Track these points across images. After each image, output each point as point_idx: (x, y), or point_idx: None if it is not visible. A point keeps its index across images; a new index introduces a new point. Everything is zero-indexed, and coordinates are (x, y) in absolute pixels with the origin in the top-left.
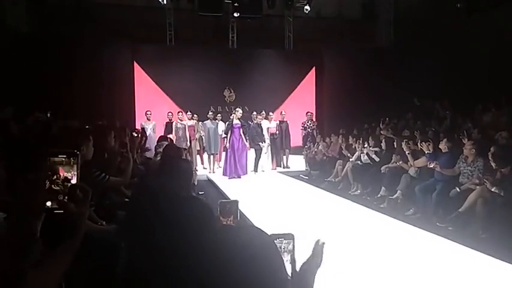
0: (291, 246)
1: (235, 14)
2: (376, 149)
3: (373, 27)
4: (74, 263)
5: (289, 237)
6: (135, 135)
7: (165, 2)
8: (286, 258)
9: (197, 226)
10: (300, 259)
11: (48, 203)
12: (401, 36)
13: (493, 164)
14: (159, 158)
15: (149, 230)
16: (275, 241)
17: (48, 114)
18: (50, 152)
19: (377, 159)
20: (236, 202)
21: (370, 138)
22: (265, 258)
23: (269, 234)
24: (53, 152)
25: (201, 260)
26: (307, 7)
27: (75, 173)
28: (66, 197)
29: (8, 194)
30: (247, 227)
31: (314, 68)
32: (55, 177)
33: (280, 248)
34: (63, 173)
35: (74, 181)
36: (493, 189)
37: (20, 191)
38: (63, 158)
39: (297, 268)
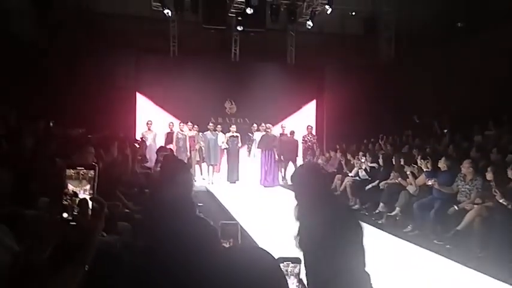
0: (297, 270)
1: (239, 28)
2: (374, 164)
3: (374, 44)
4: None
5: (297, 260)
6: (137, 146)
7: (169, 14)
8: (293, 281)
9: (203, 248)
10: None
11: (65, 214)
12: (402, 53)
13: (492, 184)
14: (159, 169)
15: (157, 247)
16: (282, 264)
17: (51, 124)
18: (68, 164)
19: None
20: (237, 225)
21: (367, 154)
22: (268, 281)
23: (276, 257)
24: (71, 164)
25: (205, 280)
26: (309, 22)
27: (85, 187)
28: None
29: (14, 203)
30: (252, 249)
31: (315, 83)
32: (64, 191)
33: (287, 271)
34: (72, 187)
35: (81, 196)
36: (501, 201)
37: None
38: (75, 172)
39: None
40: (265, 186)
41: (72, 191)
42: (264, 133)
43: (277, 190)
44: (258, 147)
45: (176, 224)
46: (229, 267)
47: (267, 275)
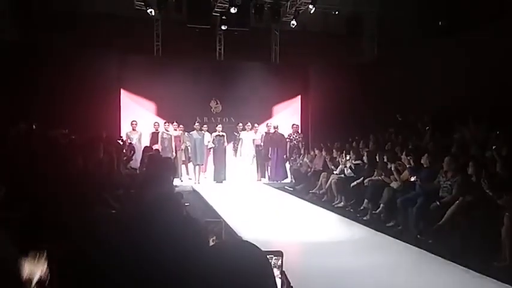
0: (280, 263)
1: (223, 27)
2: (359, 162)
3: (357, 43)
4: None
5: (279, 254)
6: (120, 143)
7: (153, 13)
8: (276, 273)
9: (191, 245)
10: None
11: None
12: (384, 51)
13: (473, 178)
14: (144, 169)
15: (145, 247)
16: None
17: (34, 126)
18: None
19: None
20: (221, 222)
21: (351, 152)
22: (258, 273)
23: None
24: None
25: (195, 276)
26: (293, 22)
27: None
28: None
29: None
30: (240, 242)
31: (300, 81)
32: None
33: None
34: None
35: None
36: (487, 191)
37: None
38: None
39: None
40: (277, 181)
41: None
42: (272, 132)
43: (263, 188)
44: (267, 146)
45: (164, 223)
46: (219, 262)
47: (256, 267)
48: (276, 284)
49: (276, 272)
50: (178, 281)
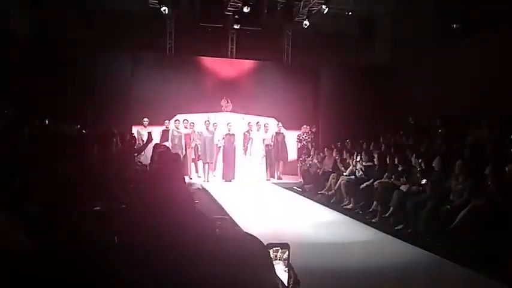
0: (286, 255)
1: (236, 26)
2: (370, 163)
3: (370, 45)
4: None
5: (285, 246)
6: (133, 140)
7: (166, 11)
8: (281, 266)
9: (201, 240)
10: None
11: None
12: (397, 53)
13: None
14: (155, 166)
15: (155, 241)
16: (271, 250)
17: (47, 121)
18: None
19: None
20: (227, 219)
21: (363, 153)
22: (255, 262)
23: (266, 243)
24: None
25: (198, 261)
26: (306, 22)
27: None
28: None
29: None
30: (242, 234)
31: (311, 82)
32: None
33: (276, 256)
34: None
35: None
36: (496, 197)
37: None
38: None
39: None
40: None
41: None
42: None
43: (272, 188)
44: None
45: (174, 218)
46: (220, 249)
47: (254, 256)
48: (274, 275)
49: (282, 264)
50: (184, 268)
